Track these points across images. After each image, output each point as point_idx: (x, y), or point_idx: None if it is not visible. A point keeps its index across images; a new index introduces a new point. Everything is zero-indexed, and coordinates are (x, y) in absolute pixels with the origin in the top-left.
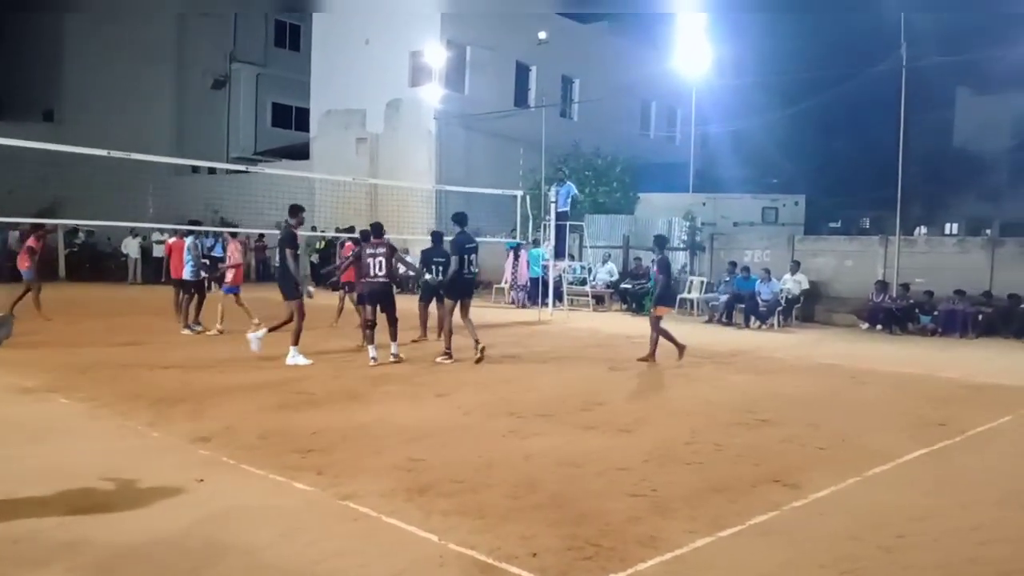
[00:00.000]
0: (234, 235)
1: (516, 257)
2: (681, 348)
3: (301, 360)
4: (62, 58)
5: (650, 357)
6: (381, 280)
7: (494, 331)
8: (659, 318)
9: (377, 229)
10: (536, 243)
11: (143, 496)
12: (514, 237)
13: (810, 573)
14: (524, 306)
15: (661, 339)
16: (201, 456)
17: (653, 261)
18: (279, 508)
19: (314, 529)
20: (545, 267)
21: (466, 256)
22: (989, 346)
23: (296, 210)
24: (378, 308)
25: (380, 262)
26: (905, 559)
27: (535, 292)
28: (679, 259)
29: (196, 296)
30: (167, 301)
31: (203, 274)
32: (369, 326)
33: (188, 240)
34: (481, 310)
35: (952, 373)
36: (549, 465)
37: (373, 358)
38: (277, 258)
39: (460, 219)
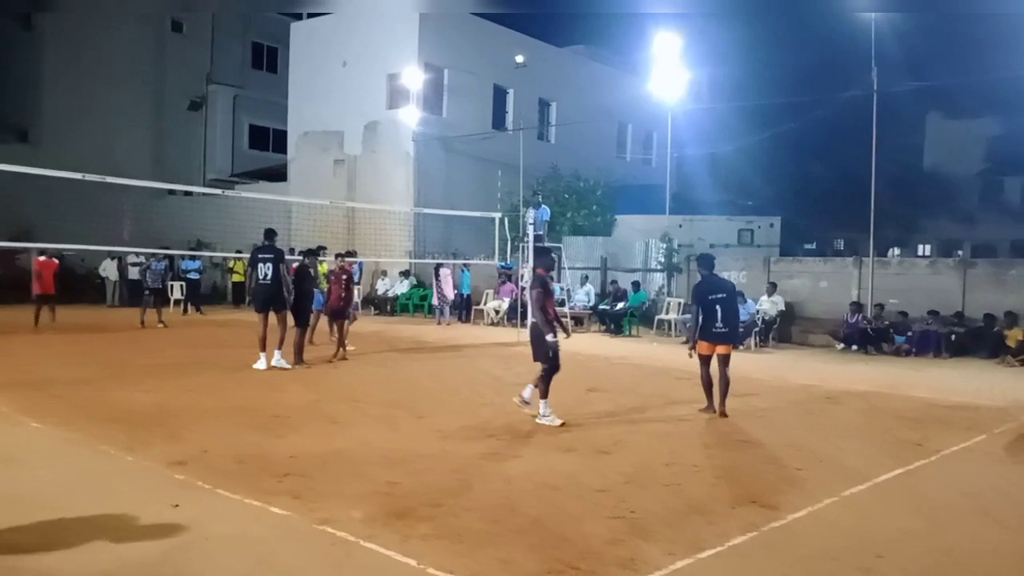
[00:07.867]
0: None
1: (437, 277)
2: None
3: (285, 364)
4: (38, 78)
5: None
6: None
7: (472, 352)
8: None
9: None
10: (467, 266)
11: (117, 523)
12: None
13: None
14: (449, 324)
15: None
16: (177, 481)
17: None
18: (255, 534)
19: (291, 555)
20: (523, 290)
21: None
22: (962, 366)
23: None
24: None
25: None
26: None
27: (463, 307)
28: (656, 281)
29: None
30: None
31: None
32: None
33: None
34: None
35: (927, 393)
36: (528, 488)
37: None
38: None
39: (707, 262)
